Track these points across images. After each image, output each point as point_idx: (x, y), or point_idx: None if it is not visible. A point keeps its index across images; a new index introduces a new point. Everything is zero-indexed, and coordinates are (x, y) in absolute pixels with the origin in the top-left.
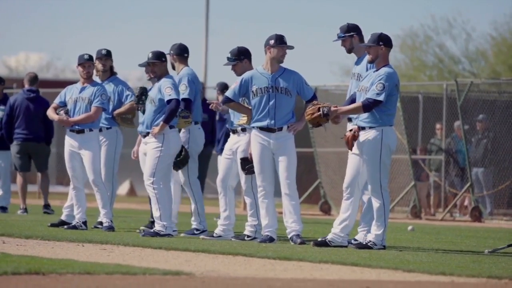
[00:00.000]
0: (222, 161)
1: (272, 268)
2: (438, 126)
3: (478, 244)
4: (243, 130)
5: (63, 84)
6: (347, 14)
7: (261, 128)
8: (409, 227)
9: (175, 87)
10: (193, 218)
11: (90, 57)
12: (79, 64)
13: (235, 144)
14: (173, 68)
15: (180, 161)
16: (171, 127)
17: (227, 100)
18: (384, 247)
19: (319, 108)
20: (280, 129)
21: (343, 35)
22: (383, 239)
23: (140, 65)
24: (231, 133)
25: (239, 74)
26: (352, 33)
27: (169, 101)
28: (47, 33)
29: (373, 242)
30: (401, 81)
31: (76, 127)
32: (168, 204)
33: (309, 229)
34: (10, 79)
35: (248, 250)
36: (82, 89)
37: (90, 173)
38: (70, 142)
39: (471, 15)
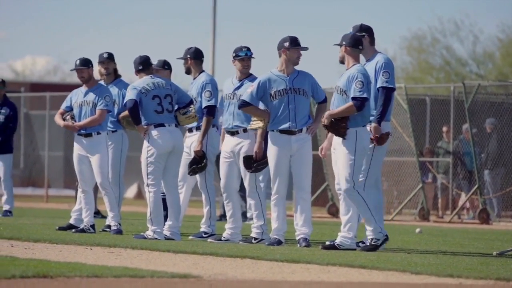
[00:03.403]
0: (221, 165)
1: (280, 271)
2: (444, 129)
3: (486, 246)
4: (245, 131)
5: (71, 87)
6: (353, 16)
7: (281, 131)
8: (417, 230)
9: (133, 88)
10: (203, 221)
11: (84, 62)
12: (76, 70)
13: (236, 145)
14: (188, 72)
15: (199, 168)
16: (156, 126)
17: (245, 104)
18: (386, 236)
19: (324, 126)
20: (300, 130)
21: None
22: (382, 229)
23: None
24: (228, 135)
25: (248, 71)
26: (363, 34)
27: (125, 104)
28: (54, 36)
29: (375, 238)
30: (408, 83)
31: (83, 131)
32: (176, 208)
33: (317, 231)
34: (17, 83)
35: (255, 253)
36: (86, 92)
37: (98, 176)
38: (78, 146)
39: (478, 17)
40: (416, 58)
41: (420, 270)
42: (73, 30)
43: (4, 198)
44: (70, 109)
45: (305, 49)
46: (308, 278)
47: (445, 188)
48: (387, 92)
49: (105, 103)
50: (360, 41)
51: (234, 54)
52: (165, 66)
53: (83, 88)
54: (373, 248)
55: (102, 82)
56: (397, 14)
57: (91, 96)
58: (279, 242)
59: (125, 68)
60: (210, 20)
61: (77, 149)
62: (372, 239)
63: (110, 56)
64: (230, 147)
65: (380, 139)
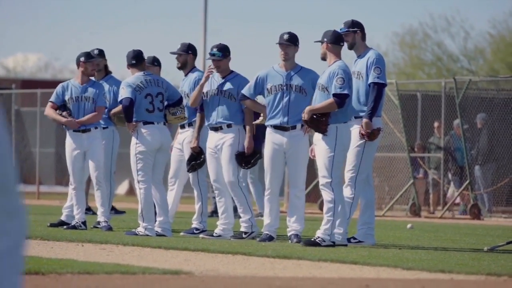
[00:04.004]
0: (209, 162)
1: (272, 267)
2: (436, 124)
3: (477, 241)
4: (228, 126)
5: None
6: (345, 12)
7: (275, 127)
8: (408, 225)
9: (128, 85)
10: (194, 217)
11: (100, 53)
12: (86, 61)
13: (219, 140)
14: (182, 67)
15: (198, 164)
16: (145, 123)
17: (243, 98)
18: (333, 243)
19: (304, 122)
20: (294, 127)
21: (346, 29)
22: (332, 234)
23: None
24: (211, 131)
25: (221, 70)
26: (356, 29)
27: (121, 101)
28: (45, 33)
29: (321, 238)
30: (400, 79)
31: (82, 127)
32: (164, 204)
33: (308, 227)
34: (8, 79)
35: (247, 249)
36: (84, 88)
37: (94, 170)
38: (74, 143)
39: (469, 13)
40: (408, 53)
41: (411, 266)
42: (64, 27)
43: None
44: (61, 103)
45: (287, 44)
46: (300, 274)
47: (436, 184)
48: (378, 88)
49: (104, 100)
50: (341, 37)
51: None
52: (155, 62)
53: (76, 83)
54: (313, 244)
55: (92, 78)
56: (389, 10)
57: (91, 92)
58: (270, 238)
59: (116, 64)
60: (201, 18)
61: (73, 146)
62: (318, 237)
63: (101, 53)
64: (214, 143)
65: (372, 134)
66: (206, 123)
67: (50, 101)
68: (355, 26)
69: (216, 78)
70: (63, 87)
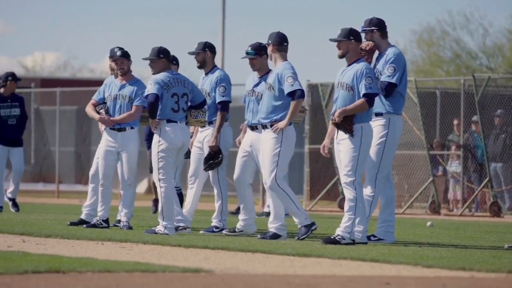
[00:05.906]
0: (238, 158)
1: (291, 265)
2: (455, 121)
3: (498, 239)
4: (264, 127)
5: (80, 83)
6: (364, 10)
7: (249, 126)
8: (428, 223)
9: (156, 82)
10: (214, 215)
11: (126, 54)
12: (113, 60)
13: (256, 140)
14: (202, 66)
15: (216, 164)
16: (168, 121)
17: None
18: (353, 241)
19: (334, 124)
20: (258, 127)
21: (364, 28)
22: (352, 232)
23: (144, 59)
24: (248, 129)
25: (257, 69)
26: (372, 28)
27: (146, 97)
28: (62, 32)
29: (341, 236)
30: (418, 76)
31: (117, 125)
32: (175, 201)
33: (328, 225)
34: (28, 78)
35: (267, 247)
36: (122, 86)
37: (127, 171)
38: (110, 140)
39: (488, 10)
40: (426, 51)
41: (431, 264)
42: (82, 26)
43: (12, 188)
44: (102, 100)
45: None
46: (320, 272)
47: (456, 182)
48: (389, 87)
49: (141, 99)
50: (360, 35)
51: None
52: (174, 61)
53: (118, 81)
54: (333, 242)
55: (112, 77)
56: (407, 8)
57: (128, 90)
58: (274, 236)
59: (134, 62)
60: (219, 16)
61: (107, 144)
62: (338, 234)
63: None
64: (249, 141)
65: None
66: (245, 122)
67: (92, 99)
68: (373, 25)
69: (254, 78)
70: (106, 85)
